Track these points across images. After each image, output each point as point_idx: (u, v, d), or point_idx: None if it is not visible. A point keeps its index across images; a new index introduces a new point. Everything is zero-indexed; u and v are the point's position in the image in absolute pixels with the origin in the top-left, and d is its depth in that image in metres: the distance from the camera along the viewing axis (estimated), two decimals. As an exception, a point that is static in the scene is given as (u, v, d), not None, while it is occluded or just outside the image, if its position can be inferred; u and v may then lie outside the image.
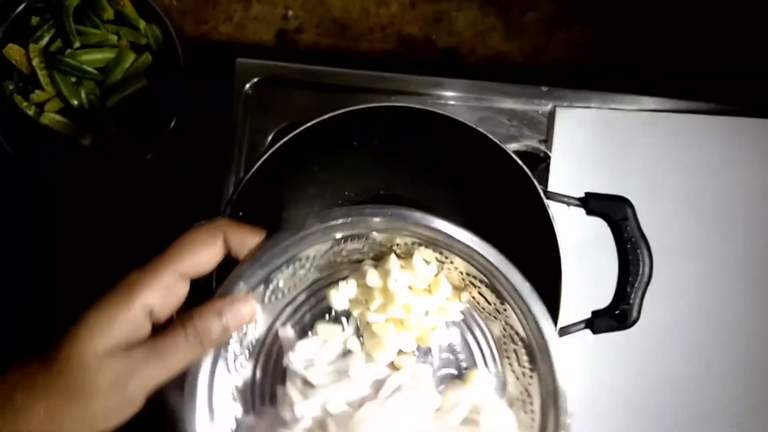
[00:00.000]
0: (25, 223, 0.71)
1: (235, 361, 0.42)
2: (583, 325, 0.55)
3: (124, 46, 0.68)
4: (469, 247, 0.39)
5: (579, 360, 0.66)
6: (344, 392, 0.41)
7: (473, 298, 0.44)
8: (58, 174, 0.67)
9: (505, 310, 0.41)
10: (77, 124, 0.67)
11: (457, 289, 0.44)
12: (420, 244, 0.41)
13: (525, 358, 0.41)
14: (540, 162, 0.68)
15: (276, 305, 0.43)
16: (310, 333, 0.43)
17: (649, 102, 0.69)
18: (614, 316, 0.55)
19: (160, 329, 0.37)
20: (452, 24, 0.74)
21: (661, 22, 0.73)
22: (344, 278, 0.43)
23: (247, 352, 0.43)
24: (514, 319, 0.41)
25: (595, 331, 0.55)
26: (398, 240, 0.41)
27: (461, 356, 0.44)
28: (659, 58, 0.74)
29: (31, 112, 0.67)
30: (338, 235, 0.40)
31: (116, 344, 0.35)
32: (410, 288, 0.42)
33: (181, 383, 0.39)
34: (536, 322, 0.39)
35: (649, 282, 0.54)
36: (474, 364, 0.44)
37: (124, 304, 0.35)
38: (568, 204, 0.56)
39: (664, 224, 0.66)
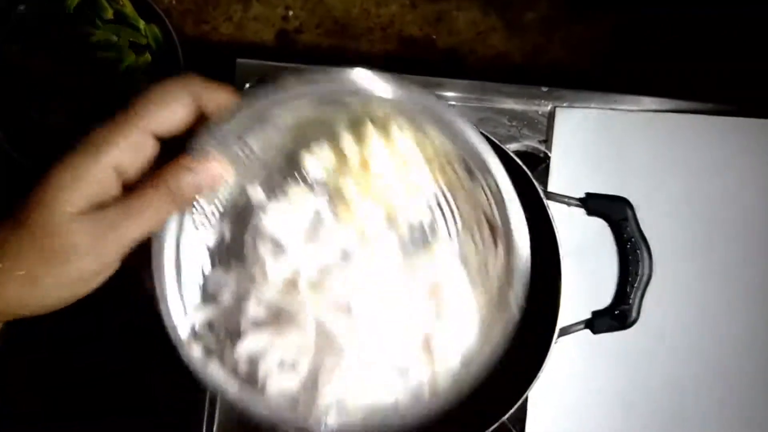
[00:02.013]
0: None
1: (204, 217, 0.41)
2: (583, 326, 0.56)
3: (124, 46, 0.68)
4: (444, 120, 0.39)
5: (578, 360, 0.66)
6: (315, 255, 0.41)
7: (445, 172, 0.43)
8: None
9: (473, 186, 0.41)
10: (79, 124, 0.67)
11: (430, 162, 0.43)
12: (398, 113, 0.40)
13: (487, 233, 0.42)
14: (540, 162, 0.68)
15: (248, 167, 0.42)
16: (281, 196, 0.42)
17: (649, 102, 0.69)
18: (614, 317, 0.55)
19: (130, 189, 0.36)
20: (453, 24, 0.74)
21: (661, 22, 0.74)
22: (318, 141, 0.42)
23: (216, 211, 0.42)
24: (482, 197, 0.41)
25: (595, 332, 0.56)
26: (375, 107, 0.40)
27: (427, 229, 0.43)
28: (659, 58, 0.74)
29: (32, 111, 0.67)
30: (315, 97, 0.39)
31: (88, 203, 0.34)
32: (385, 158, 0.41)
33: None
34: (503, 200, 0.40)
35: (648, 282, 0.55)
36: (438, 236, 0.43)
37: (91, 162, 0.34)
38: (568, 204, 0.56)
39: (664, 224, 0.66)
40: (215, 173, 0.37)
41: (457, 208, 0.43)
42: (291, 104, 0.39)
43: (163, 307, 0.40)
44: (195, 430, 0.65)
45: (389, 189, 0.42)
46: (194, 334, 0.40)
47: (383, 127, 0.41)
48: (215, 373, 0.40)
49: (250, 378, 0.40)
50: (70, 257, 0.34)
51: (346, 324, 0.40)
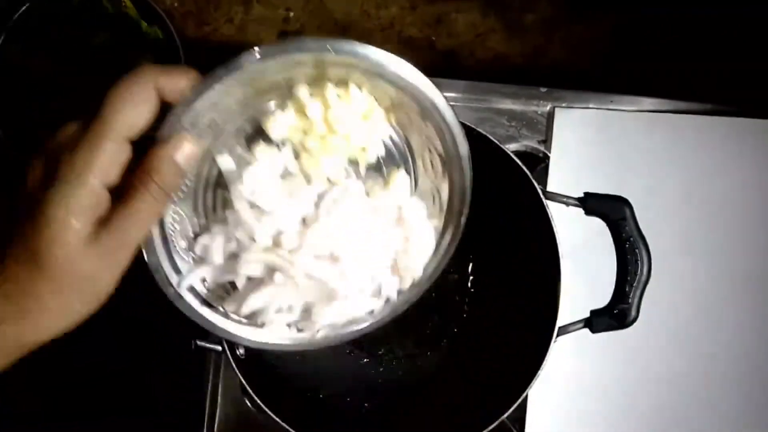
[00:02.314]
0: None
1: (179, 190, 0.43)
2: (581, 325, 0.56)
3: (126, 47, 0.68)
4: (402, 78, 0.41)
5: (577, 359, 0.66)
6: (292, 210, 0.44)
7: (400, 117, 0.46)
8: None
9: (426, 126, 0.44)
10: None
11: (387, 111, 0.45)
12: (354, 71, 0.42)
13: (439, 165, 0.46)
14: (539, 162, 0.68)
15: (213, 136, 0.43)
16: (247, 158, 0.44)
17: (648, 103, 0.69)
18: (613, 316, 0.55)
19: (118, 192, 0.37)
20: (452, 25, 0.74)
21: (661, 22, 0.74)
22: (279, 105, 0.44)
23: (188, 181, 0.44)
24: (433, 134, 0.45)
25: (593, 331, 0.56)
26: (332, 69, 0.42)
27: (385, 168, 0.47)
28: (659, 58, 0.74)
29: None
30: (274, 68, 0.40)
31: (90, 226, 0.35)
32: (346, 117, 0.43)
33: None
34: (452, 135, 0.44)
35: (647, 281, 0.55)
36: (397, 173, 0.47)
37: (81, 189, 0.35)
38: (567, 204, 0.56)
39: (663, 224, 0.66)
40: (191, 153, 0.38)
41: (412, 148, 0.47)
42: (251, 78, 0.40)
43: (158, 276, 0.42)
44: (195, 430, 0.66)
45: (350, 142, 0.44)
46: (190, 291, 0.44)
47: (342, 85, 0.43)
48: (214, 319, 0.44)
49: (249, 320, 0.45)
50: (90, 283, 0.36)
51: (333, 270, 0.44)
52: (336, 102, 0.42)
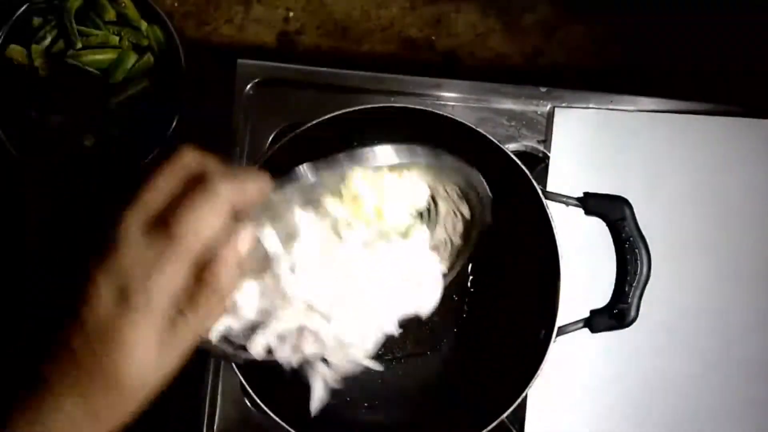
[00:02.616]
0: (26, 224, 0.71)
1: None
2: (581, 324, 0.56)
3: (126, 47, 0.68)
4: (454, 170, 0.45)
5: (577, 359, 0.66)
6: (327, 275, 0.45)
7: (438, 193, 0.49)
8: (61, 175, 0.67)
9: (462, 201, 0.49)
10: (78, 124, 0.67)
11: (430, 188, 0.48)
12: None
13: (460, 227, 0.51)
14: (539, 162, 0.68)
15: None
16: (291, 228, 0.45)
17: (648, 102, 0.69)
18: (612, 315, 0.55)
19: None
20: (452, 26, 0.74)
21: (660, 22, 0.74)
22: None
23: None
24: (465, 209, 0.49)
25: (593, 330, 0.56)
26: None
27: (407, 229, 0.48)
28: (658, 58, 0.74)
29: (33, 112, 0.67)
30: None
31: (160, 340, 0.36)
32: (396, 201, 0.45)
33: None
34: (484, 217, 0.49)
35: (647, 281, 0.55)
36: (416, 221, 0.48)
37: (156, 312, 0.35)
38: (567, 204, 0.57)
39: (663, 224, 0.66)
40: (253, 244, 0.38)
41: (439, 212, 0.50)
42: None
43: None
44: (195, 431, 0.65)
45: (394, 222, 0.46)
46: (219, 338, 0.46)
47: (395, 170, 0.45)
48: (242, 354, 0.47)
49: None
50: (155, 386, 0.37)
51: (358, 329, 0.45)
52: (390, 197, 0.44)
